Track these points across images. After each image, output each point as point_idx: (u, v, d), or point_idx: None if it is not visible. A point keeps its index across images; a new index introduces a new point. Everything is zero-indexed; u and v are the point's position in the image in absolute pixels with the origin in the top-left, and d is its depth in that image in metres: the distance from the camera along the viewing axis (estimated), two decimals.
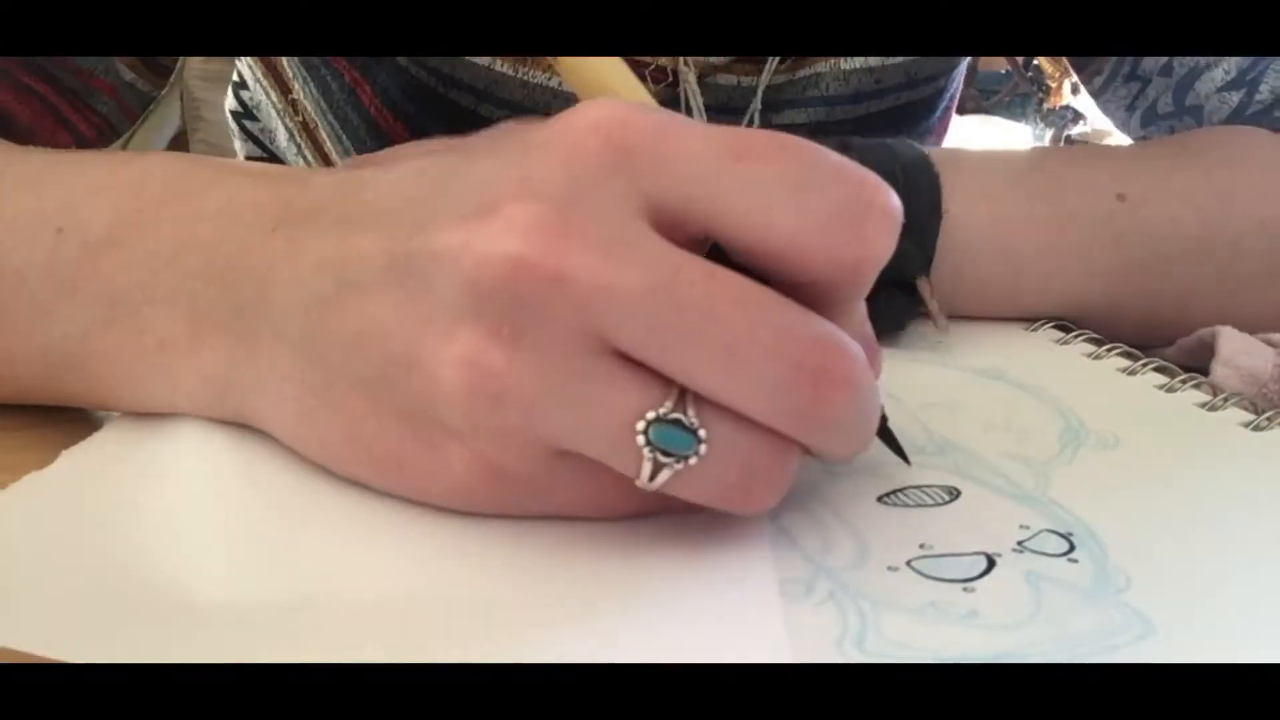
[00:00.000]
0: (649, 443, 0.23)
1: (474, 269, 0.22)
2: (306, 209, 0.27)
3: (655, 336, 0.22)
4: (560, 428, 0.23)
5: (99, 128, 0.45)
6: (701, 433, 0.23)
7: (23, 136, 0.41)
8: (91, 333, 0.28)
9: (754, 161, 0.23)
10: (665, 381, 0.23)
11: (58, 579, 0.23)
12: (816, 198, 0.23)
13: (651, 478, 0.23)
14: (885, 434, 0.28)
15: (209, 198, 0.28)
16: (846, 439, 0.24)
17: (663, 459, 0.23)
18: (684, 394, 0.23)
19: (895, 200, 0.23)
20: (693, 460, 0.23)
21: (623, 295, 0.22)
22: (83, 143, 0.44)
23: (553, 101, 0.51)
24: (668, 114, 0.24)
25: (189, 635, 0.21)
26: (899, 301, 0.38)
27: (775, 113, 0.53)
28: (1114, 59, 0.53)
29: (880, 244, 0.23)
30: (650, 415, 0.23)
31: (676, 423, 0.23)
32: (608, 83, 0.25)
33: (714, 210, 0.23)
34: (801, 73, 0.53)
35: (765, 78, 0.52)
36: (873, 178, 0.23)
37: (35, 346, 0.29)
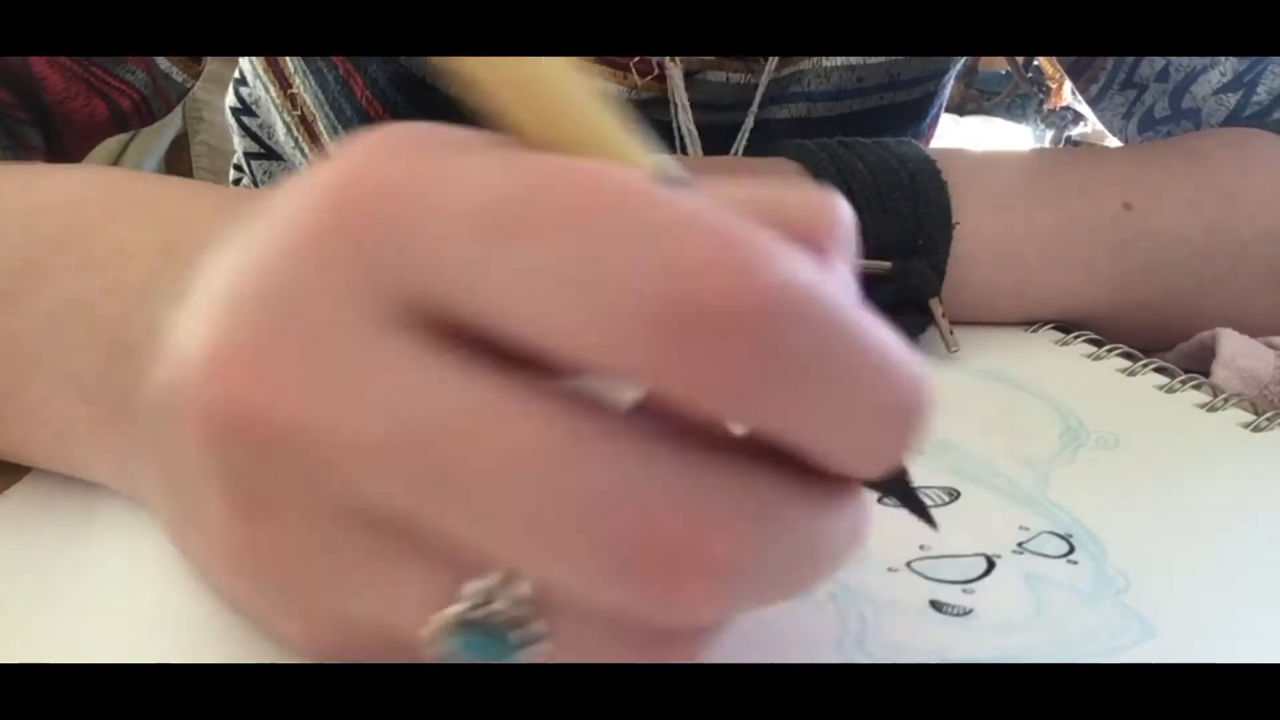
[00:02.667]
0: (452, 653, 0.16)
1: (180, 407, 0.17)
2: (189, 266, 0.20)
3: (429, 505, 0.15)
4: (350, 624, 0.18)
5: (135, 102, 0.44)
6: (533, 627, 0.16)
7: (56, 105, 0.41)
8: None
9: (526, 239, 0.15)
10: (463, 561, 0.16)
11: None
12: (609, 291, 0.14)
13: None
14: (907, 495, 0.22)
15: (100, 240, 0.23)
16: (725, 615, 0.17)
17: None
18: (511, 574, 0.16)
19: (758, 276, 0.14)
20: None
21: (369, 449, 0.15)
22: (120, 115, 0.44)
23: None
24: (441, 158, 0.16)
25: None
26: (912, 320, 0.38)
27: (758, 109, 0.53)
28: (1109, 67, 0.53)
29: (721, 363, 0.14)
30: (437, 619, 0.16)
31: (477, 624, 0.16)
32: (541, 94, 0.17)
33: (480, 311, 0.15)
34: (786, 70, 0.53)
35: (765, 77, 0.52)
36: (712, 235, 0.15)
37: None
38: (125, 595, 0.22)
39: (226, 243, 0.18)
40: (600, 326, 0.15)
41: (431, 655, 0.17)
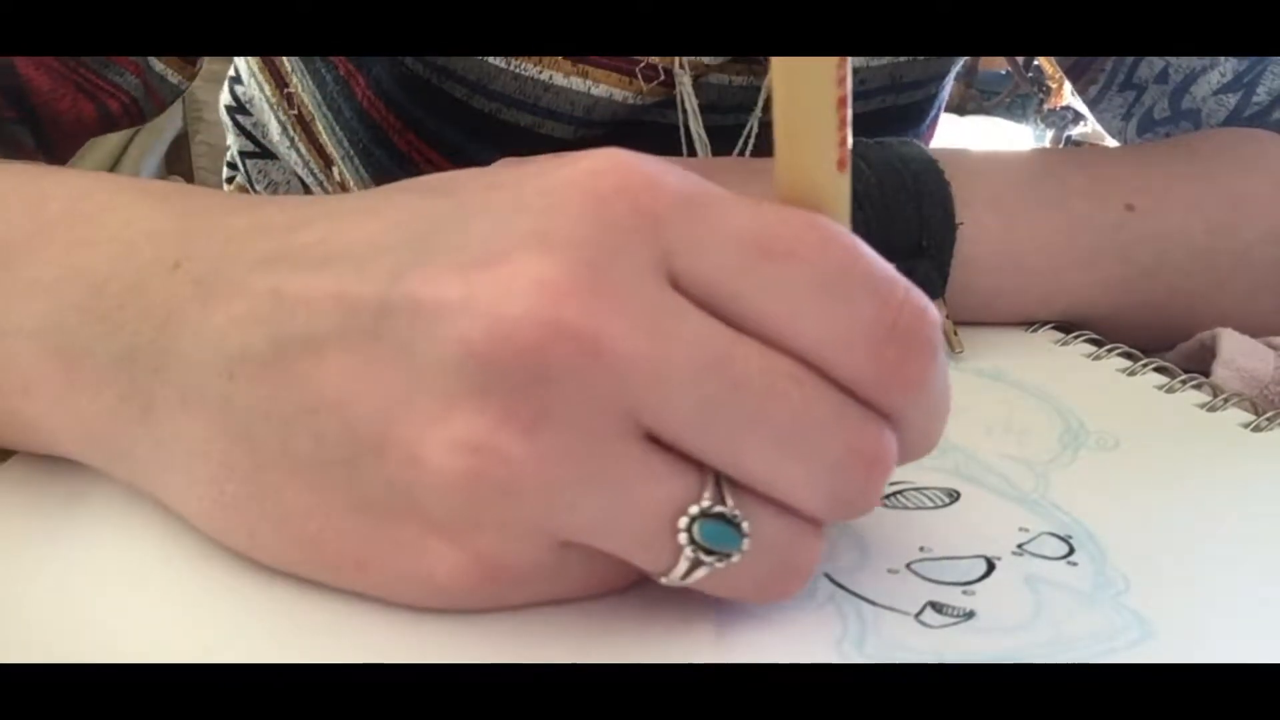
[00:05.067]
0: (692, 540, 0.20)
1: (482, 333, 0.19)
2: (219, 245, 0.23)
3: (704, 417, 0.20)
4: (582, 522, 0.20)
5: (124, 104, 0.44)
6: (745, 525, 0.21)
7: (43, 105, 0.41)
8: None
9: (785, 261, 0.20)
10: (698, 469, 0.21)
11: None
12: (843, 310, 0.20)
13: (686, 575, 0.21)
14: None
15: (103, 222, 0.25)
16: (862, 515, 0.22)
17: (704, 557, 0.21)
18: (719, 482, 0.21)
19: (924, 322, 0.21)
20: (735, 558, 0.21)
21: (672, 371, 0.20)
22: (109, 117, 0.43)
23: (543, 95, 0.50)
24: (694, 181, 0.21)
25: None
26: None
27: (764, 111, 0.53)
28: (1108, 68, 0.53)
29: (906, 370, 0.21)
30: (694, 509, 0.20)
31: (720, 517, 0.20)
32: (805, 93, 0.21)
33: (739, 307, 0.20)
34: None
35: (769, 80, 0.52)
36: (901, 293, 0.21)
37: None
38: (107, 592, 0.22)
39: (490, 211, 0.21)
40: (830, 331, 0.20)
41: (661, 547, 0.21)
